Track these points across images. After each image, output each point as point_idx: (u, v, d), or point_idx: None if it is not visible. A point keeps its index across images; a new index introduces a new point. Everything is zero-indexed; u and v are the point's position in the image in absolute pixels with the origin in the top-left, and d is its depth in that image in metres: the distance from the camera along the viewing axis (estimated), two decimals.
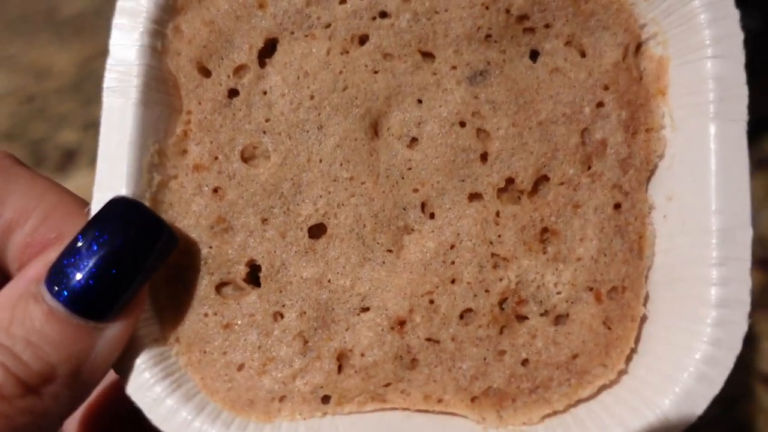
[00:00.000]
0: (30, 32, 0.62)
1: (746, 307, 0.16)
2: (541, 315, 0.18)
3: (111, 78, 0.17)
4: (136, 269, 0.16)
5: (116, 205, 0.16)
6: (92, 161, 0.49)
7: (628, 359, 0.18)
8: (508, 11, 0.17)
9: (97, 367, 0.16)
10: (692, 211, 0.16)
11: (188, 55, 0.17)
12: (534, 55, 0.18)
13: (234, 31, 0.17)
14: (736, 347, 0.16)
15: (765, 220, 0.43)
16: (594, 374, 0.18)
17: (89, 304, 0.16)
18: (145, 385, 0.17)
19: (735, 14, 0.16)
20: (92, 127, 0.50)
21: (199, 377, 0.18)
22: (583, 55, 0.18)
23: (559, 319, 0.18)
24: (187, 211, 0.17)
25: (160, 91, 0.17)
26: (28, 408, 0.15)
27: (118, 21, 0.17)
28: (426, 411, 0.18)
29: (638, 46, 0.18)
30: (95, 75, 0.55)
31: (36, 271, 0.16)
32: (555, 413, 0.18)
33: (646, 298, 0.18)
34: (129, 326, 0.17)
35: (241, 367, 0.18)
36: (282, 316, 0.18)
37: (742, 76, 0.16)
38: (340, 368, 0.18)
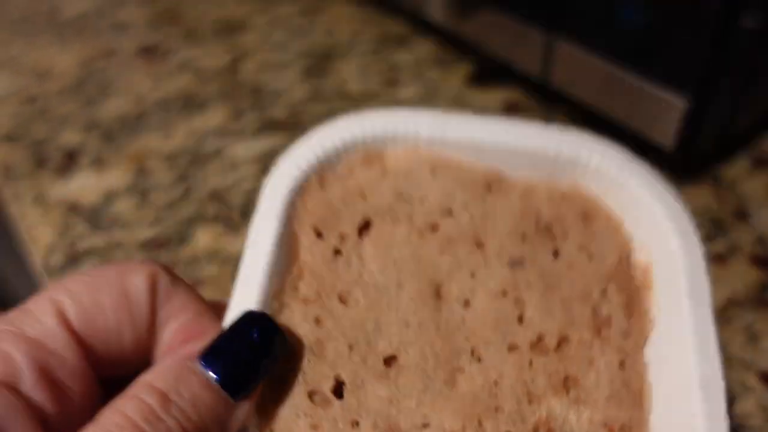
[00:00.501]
0: (31, 33, 0.62)
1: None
2: None
3: (254, 234, 0.22)
4: (264, 362, 0.20)
5: (253, 313, 0.21)
6: (93, 162, 0.49)
7: None
8: (537, 222, 0.24)
9: None
10: (677, 369, 0.21)
11: (308, 221, 0.23)
12: (556, 253, 0.24)
13: (342, 210, 0.24)
14: None
15: (764, 218, 0.44)
16: None
17: (234, 382, 0.19)
18: None
19: (694, 232, 0.23)
20: (94, 128, 0.51)
21: None
22: (590, 258, 0.24)
23: None
24: (294, 332, 0.22)
25: (286, 245, 0.23)
26: None
27: (266, 192, 0.23)
28: None
29: (629, 256, 0.24)
30: (97, 76, 0.55)
31: (190, 350, 0.20)
32: None
33: None
34: (248, 409, 0.20)
35: None
36: (358, 425, 0.21)
37: (703, 267, 0.22)
38: None
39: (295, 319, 0.22)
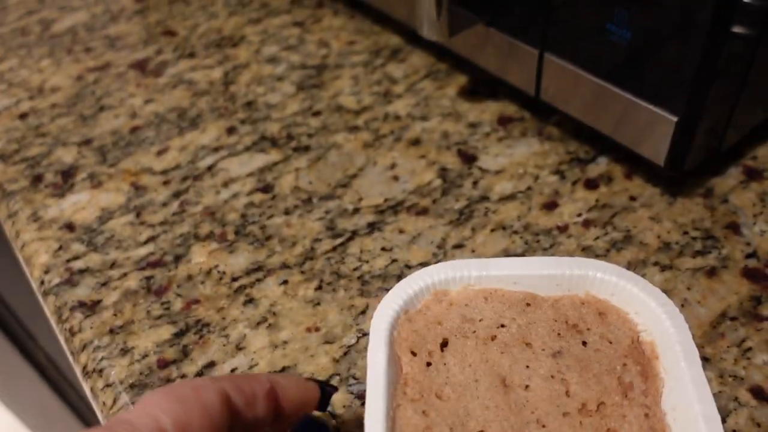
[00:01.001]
0: (23, 47, 0.62)
1: None
2: None
3: (371, 357, 0.29)
4: None
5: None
6: (88, 179, 0.48)
7: None
8: (566, 322, 0.31)
9: None
10: (686, 412, 0.27)
11: (405, 345, 0.30)
12: (584, 343, 0.31)
13: (426, 334, 0.31)
14: None
15: (756, 230, 0.44)
16: None
17: None
18: None
19: (678, 313, 0.30)
20: (88, 145, 0.50)
21: None
22: (610, 342, 0.31)
23: None
24: (408, 424, 0.28)
25: (393, 362, 0.30)
26: None
27: (374, 324, 0.30)
28: None
29: (638, 336, 0.31)
30: (89, 90, 0.55)
31: None
32: None
33: None
34: None
35: None
36: None
37: (690, 340, 0.29)
38: None
39: (408, 413, 0.28)
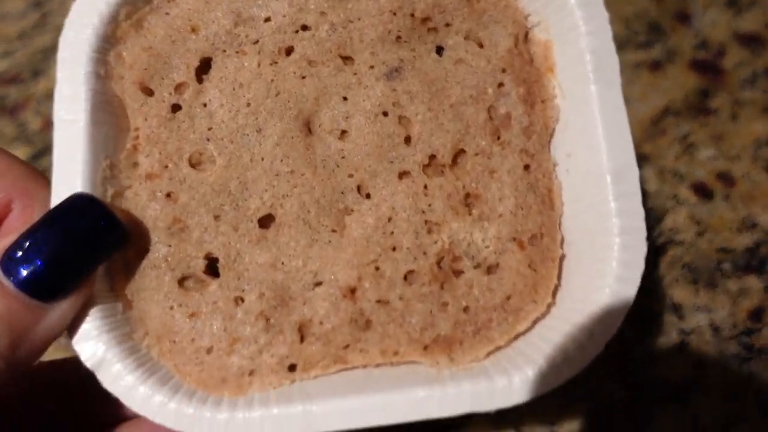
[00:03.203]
0: None
1: (643, 233, 0.19)
2: (475, 268, 0.20)
3: (60, 108, 0.19)
4: (84, 258, 0.18)
5: (75, 198, 0.18)
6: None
7: (554, 293, 0.21)
8: (412, 15, 0.21)
9: (36, 343, 0.18)
10: (588, 162, 0.20)
11: (131, 78, 0.20)
12: (439, 50, 0.21)
13: (171, 53, 0.20)
14: (641, 265, 0.19)
15: (708, 19, 0.39)
16: (527, 310, 0.20)
17: (38, 285, 0.18)
18: (119, 376, 0.19)
19: (602, 7, 0.20)
20: None
21: (172, 364, 0.19)
22: (480, 46, 0.21)
23: (491, 269, 0.21)
24: (144, 216, 0.19)
25: (107, 112, 0.19)
26: None
27: (62, 54, 0.19)
28: (384, 364, 0.20)
29: (526, 34, 0.21)
30: None
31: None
32: (498, 348, 0.20)
33: (563, 241, 0.21)
34: (72, 308, 0.18)
35: (210, 350, 0.19)
36: (243, 300, 0.20)
37: (611, 48, 0.20)
38: (302, 338, 0.20)
39: (141, 200, 0.19)
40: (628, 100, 0.34)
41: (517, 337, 0.20)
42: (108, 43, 0.20)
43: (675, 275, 0.28)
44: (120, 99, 0.20)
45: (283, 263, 0.20)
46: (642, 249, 0.19)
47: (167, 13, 0.20)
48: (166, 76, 0.20)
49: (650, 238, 0.27)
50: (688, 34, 0.35)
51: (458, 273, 0.21)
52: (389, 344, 0.20)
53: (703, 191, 0.30)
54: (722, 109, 0.32)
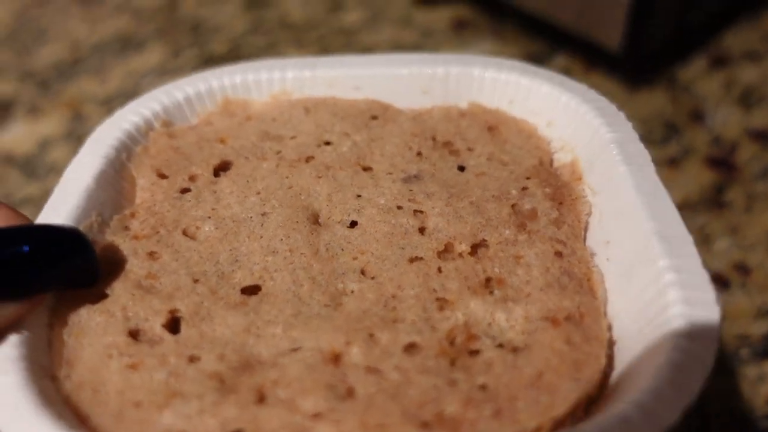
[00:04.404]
0: None
1: (715, 310, 0.16)
2: (497, 347, 0.17)
3: (71, 170, 0.19)
4: (47, 276, 0.16)
5: (65, 226, 0.17)
6: (29, 111, 0.46)
7: (606, 376, 0.16)
8: (434, 138, 0.21)
9: None
10: (631, 245, 0.17)
11: (150, 163, 0.21)
12: (461, 168, 0.21)
13: (194, 154, 0.21)
14: (713, 347, 0.15)
15: (720, 118, 0.42)
16: (566, 389, 0.16)
17: None
18: (20, 413, 0.15)
19: (617, 110, 0.21)
20: (29, 77, 0.49)
21: (84, 413, 0.16)
22: (504, 164, 0.21)
23: (518, 350, 0.17)
24: (117, 264, 0.18)
25: (114, 183, 0.20)
26: None
27: (92, 137, 0.21)
28: None
29: (551, 161, 0.21)
30: (31, 25, 0.53)
31: None
32: None
33: (610, 327, 0.17)
34: (10, 316, 0.16)
35: (138, 404, 0.16)
36: (199, 359, 0.17)
37: (635, 137, 0.19)
38: (261, 399, 0.16)
39: (120, 254, 0.19)
40: None
41: (556, 426, 0.15)
42: (139, 135, 0.22)
43: None
44: (132, 176, 0.21)
45: (258, 328, 0.17)
46: (712, 328, 0.15)
47: (202, 129, 0.22)
48: (183, 169, 0.21)
49: None
50: (702, 131, 0.38)
51: (474, 353, 0.17)
52: (373, 415, 0.15)
53: (720, 281, 0.33)
54: (736, 202, 0.34)
